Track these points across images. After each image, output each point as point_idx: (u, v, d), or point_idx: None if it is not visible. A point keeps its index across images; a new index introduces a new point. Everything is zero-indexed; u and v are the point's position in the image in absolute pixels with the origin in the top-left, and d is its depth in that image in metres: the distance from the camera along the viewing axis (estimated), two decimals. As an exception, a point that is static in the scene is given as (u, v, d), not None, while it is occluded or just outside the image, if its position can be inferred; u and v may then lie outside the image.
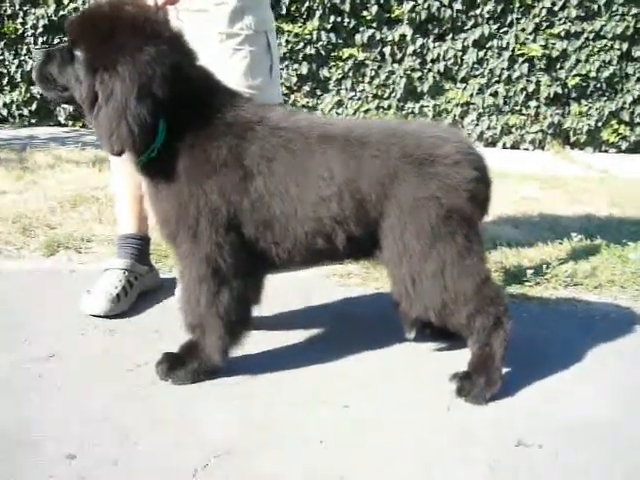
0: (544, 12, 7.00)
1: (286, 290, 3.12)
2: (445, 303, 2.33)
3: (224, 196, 2.25)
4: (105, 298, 2.85)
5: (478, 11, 7.02)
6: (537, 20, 7.03)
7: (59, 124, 7.20)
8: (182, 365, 2.40)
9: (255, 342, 2.57)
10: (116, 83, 2.12)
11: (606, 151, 7.37)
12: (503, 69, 7.14)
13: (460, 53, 7.13)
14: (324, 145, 2.31)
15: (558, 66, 7.16)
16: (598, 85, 7.21)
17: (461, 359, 2.51)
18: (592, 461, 2.11)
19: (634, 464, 2.11)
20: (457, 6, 6.97)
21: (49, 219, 3.93)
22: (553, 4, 6.98)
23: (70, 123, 7.19)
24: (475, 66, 7.14)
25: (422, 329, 2.71)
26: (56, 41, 6.85)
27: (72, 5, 6.83)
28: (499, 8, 6.99)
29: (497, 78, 7.17)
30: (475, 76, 7.18)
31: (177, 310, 2.87)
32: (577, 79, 7.14)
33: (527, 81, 7.16)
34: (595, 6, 6.99)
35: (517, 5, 6.99)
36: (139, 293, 3.04)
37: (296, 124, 2.35)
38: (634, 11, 6.97)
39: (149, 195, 2.37)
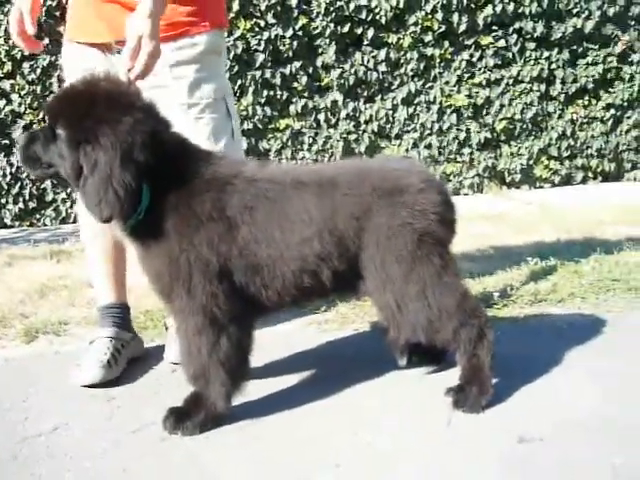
0: (464, 64, 7.44)
1: (269, 342, 3.19)
2: (431, 321, 2.48)
3: (213, 247, 2.37)
4: (96, 366, 2.89)
5: (402, 70, 7.40)
6: (459, 72, 7.46)
7: (5, 226, 7.16)
8: (189, 417, 2.46)
9: (250, 390, 2.64)
10: (99, 154, 2.25)
11: (541, 187, 7.76)
12: (433, 122, 7.49)
13: (391, 112, 7.46)
14: (299, 190, 2.47)
15: (484, 112, 7.58)
16: (524, 126, 7.65)
17: (451, 377, 2.67)
18: (591, 448, 2.26)
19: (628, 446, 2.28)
20: (382, 68, 7.33)
21: (21, 309, 3.94)
22: (471, 56, 7.43)
23: (17, 224, 7.17)
24: (407, 122, 7.48)
25: (410, 358, 2.86)
26: None
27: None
28: (422, 65, 7.39)
29: (429, 131, 7.52)
30: (408, 131, 7.51)
31: (172, 372, 2.97)
32: (504, 122, 7.57)
33: (457, 130, 7.54)
34: (510, 54, 7.49)
35: (437, 61, 7.41)
36: (127, 361, 3.09)
37: (270, 174, 2.51)
38: (545, 54, 7.50)
39: (139, 257, 2.48)
